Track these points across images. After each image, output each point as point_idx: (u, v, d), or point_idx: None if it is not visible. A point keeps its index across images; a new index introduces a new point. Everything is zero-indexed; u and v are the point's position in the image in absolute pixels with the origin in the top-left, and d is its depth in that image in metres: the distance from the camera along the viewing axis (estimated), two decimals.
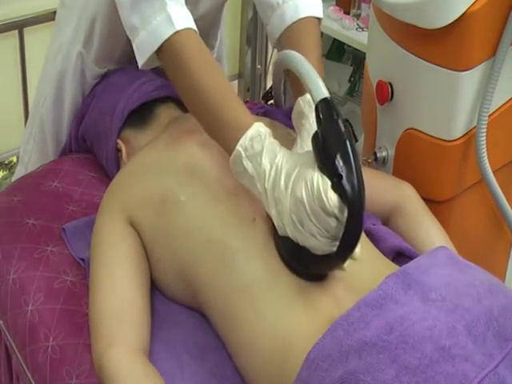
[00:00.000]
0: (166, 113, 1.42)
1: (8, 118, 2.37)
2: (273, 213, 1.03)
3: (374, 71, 1.50)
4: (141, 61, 1.21)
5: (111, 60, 1.52)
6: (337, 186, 0.96)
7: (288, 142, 1.18)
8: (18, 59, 2.29)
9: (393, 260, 1.19)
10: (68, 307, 1.22)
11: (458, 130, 1.36)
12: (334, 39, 2.57)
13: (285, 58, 1.16)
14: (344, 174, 0.96)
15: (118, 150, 1.43)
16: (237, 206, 1.14)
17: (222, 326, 1.12)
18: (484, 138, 1.33)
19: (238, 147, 1.06)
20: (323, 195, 0.96)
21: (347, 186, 0.96)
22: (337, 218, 0.97)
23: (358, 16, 2.30)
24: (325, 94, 1.03)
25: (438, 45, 1.30)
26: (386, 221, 1.35)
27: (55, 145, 1.61)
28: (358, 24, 2.26)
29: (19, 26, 2.25)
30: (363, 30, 2.21)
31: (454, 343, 0.91)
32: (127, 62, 1.51)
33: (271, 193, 1.03)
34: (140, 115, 1.42)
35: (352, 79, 2.62)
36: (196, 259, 1.14)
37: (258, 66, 2.94)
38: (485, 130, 1.32)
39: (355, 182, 0.96)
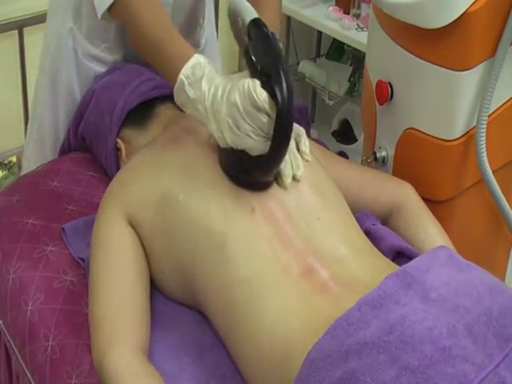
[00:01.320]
0: (165, 112, 1.42)
1: (8, 118, 2.37)
2: (213, 128, 1.11)
3: (374, 71, 1.50)
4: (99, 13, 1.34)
5: (104, 37, 1.51)
6: (265, 83, 1.05)
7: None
8: (17, 59, 2.29)
9: (393, 260, 1.19)
10: (68, 307, 1.22)
11: (458, 129, 1.36)
12: (334, 39, 2.58)
13: (231, 3, 1.24)
14: (272, 73, 1.05)
15: (118, 149, 1.43)
16: (235, 199, 1.14)
17: (222, 322, 1.12)
18: (484, 138, 1.33)
19: (181, 76, 1.14)
20: (253, 92, 1.05)
21: (275, 84, 1.04)
22: (268, 115, 1.05)
23: (357, 16, 2.30)
24: (254, 15, 1.14)
25: (437, 45, 1.30)
26: (386, 220, 1.35)
27: (53, 141, 1.61)
28: (357, 24, 2.26)
29: (19, 26, 2.25)
30: (363, 30, 2.22)
31: (454, 343, 0.91)
32: (121, 43, 1.51)
33: (211, 108, 1.11)
34: (139, 114, 1.43)
35: (352, 79, 2.62)
36: (195, 252, 1.14)
37: None
38: (484, 130, 1.32)
39: (283, 80, 1.04)
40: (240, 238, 1.10)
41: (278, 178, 1.16)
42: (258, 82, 1.06)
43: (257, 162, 1.10)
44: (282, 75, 1.04)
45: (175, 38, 1.22)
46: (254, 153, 1.09)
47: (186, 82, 1.14)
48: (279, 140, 1.06)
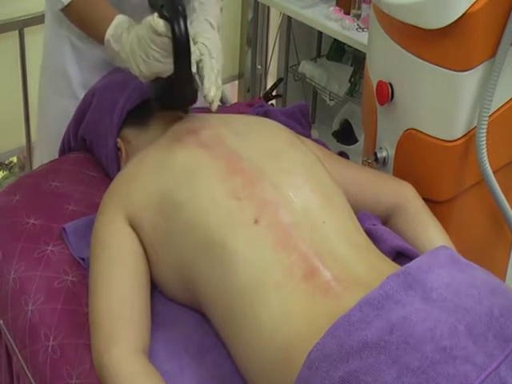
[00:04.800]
0: (166, 112, 1.42)
1: (8, 118, 2.37)
2: (134, 67, 1.30)
3: (375, 71, 1.50)
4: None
5: None
6: (160, 14, 1.25)
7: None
8: (18, 59, 2.29)
9: (393, 260, 1.19)
10: (68, 307, 1.22)
11: (459, 130, 1.36)
12: (335, 39, 2.57)
13: None
14: (165, 2, 1.25)
15: (119, 149, 1.43)
16: (237, 208, 1.14)
17: (222, 326, 1.12)
18: (484, 139, 1.32)
19: (107, 36, 1.37)
20: (152, 22, 1.24)
21: (167, 8, 1.24)
22: (168, 37, 1.23)
23: (358, 16, 2.29)
24: None
25: (438, 45, 1.30)
26: (387, 221, 1.35)
27: (58, 141, 1.61)
28: (358, 24, 2.26)
29: (19, 26, 2.25)
30: (363, 31, 2.21)
31: (455, 344, 0.91)
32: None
33: (130, 49, 1.30)
34: (140, 114, 1.43)
35: (352, 79, 2.62)
36: (195, 259, 1.14)
37: (258, 66, 2.94)
38: (485, 131, 1.32)
39: (173, 3, 1.24)
40: (240, 247, 1.10)
41: (206, 95, 1.30)
42: (155, 14, 1.25)
43: (171, 81, 1.29)
44: (172, 3, 1.24)
45: (98, 5, 1.42)
46: (166, 74, 1.28)
47: (111, 40, 1.35)
48: (179, 51, 1.24)
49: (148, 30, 1.26)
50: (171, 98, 1.35)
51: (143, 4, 1.56)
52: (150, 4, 1.31)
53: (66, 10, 1.46)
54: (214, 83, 1.31)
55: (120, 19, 1.37)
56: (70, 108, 1.56)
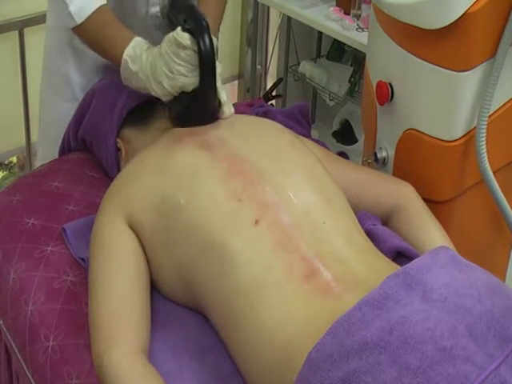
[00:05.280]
0: (166, 112, 1.42)
1: (8, 118, 2.37)
2: (154, 87, 1.28)
3: (374, 72, 1.50)
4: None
5: None
6: (184, 26, 1.25)
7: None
8: (18, 59, 2.29)
9: (393, 260, 1.19)
10: (68, 307, 1.22)
11: (458, 130, 1.36)
12: (334, 40, 2.57)
13: None
14: (189, 17, 1.25)
15: (118, 149, 1.43)
16: (238, 209, 1.14)
17: (222, 326, 1.12)
18: (484, 139, 1.32)
19: (125, 56, 1.33)
20: (176, 36, 1.24)
21: (191, 22, 1.25)
22: (193, 50, 1.23)
23: (358, 16, 2.29)
24: None
25: (438, 45, 1.30)
26: (387, 221, 1.35)
27: (58, 142, 1.61)
28: (358, 24, 2.26)
29: (19, 26, 2.25)
30: (363, 31, 2.21)
31: (455, 344, 0.91)
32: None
33: (150, 71, 1.28)
34: (140, 114, 1.43)
35: (352, 79, 2.62)
36: (195, 260, 1.14)
37: (258, 67, 2.94)
38: (485, 131, 1.32)
39: (197, 18, 1.24)
40: (240, 249, 1.10)
41: (220, 109, 1.30)
42: (179, 27, 1.25)
43: (196, 96, 1.27)
44: (196, 15, 1.25)
45: (112, 26, 1.39)
46: (190, 87, 1.26)
47: (129, 60, 1.32)
48: (205, 64, 1.23)
49: (171, 45, 1.25)
50: (194, 113, 1.31)
51: (149, 26, 1.60)
52: (169, 21, 1.32)
53: (78, 29, 1.42)
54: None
55: (138, 41, 1.35)
56: (70, 111, 1.56)
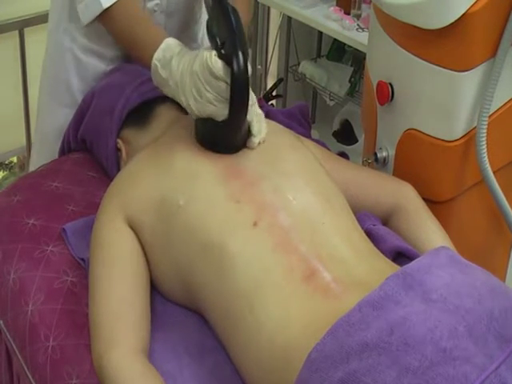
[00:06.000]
0: (166, 112, 1.42)
1: (8, 118, 2.38)
2: (182, 99, 1.21)
3: (375, 71, 1.50)
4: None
5: (103, 33, 1.50)
6: (220, 53, 1.14)
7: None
8: (18, 59, 2.29)
9: (393, 260, 1.19)
10: (68, 307, 1.22)
11: (459, 130, 1.36)
12: (335, 39, 2.58)
13: None
14: (227, 42, 1.13)
15: (118, 150, 1.43)
16: (236, 211, 1.14)
17: (221, 328, 1.12)
18: (484, 139, 1.32)
19: (154, 60, 1.26)
20: (209, 62, 1.14)
21: (227, 50, 1.13)
22: (226, 82, 1.14)
23: (358, 16, 2.29)
24: None
25: (438, 45, 1.30)
26: (387, 221, 1.35)
27: (56, 144, 1.61)
28: (358, 24, 2.26)
29: (19, 26, 2.25)
30: (363, 31, 2.21)
31: (455, 345, 0.90)
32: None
33: (180, 82, 1.20)
34: (140, 115, 1.42)
35: (352, 79, 2.62)
36: (193, 262, 1.14)
37: (259, 67, 2.94)
38: (485, 131, 1.32)
39: (237, 47, 1.12)
40: (238, 250, 1.10)
41: (249, 139, 1.23)
42: (213, 52, 1.15)
43: (222, 126, 1.19)
44: (236, 42, 1.13)
45: (148, 27, 1.34)
46: (219, 118, 1.18)
47: (158, 65, 1.25)
48: (236, 102, 1.14)
49: (203, 69, 1.15)
50: (219, 141, 1.21)
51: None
52: (209, 36, 1.20)
53: (103, 16, 1.36)
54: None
55: (169, 43, 1.26)
56: (70, 116, 1.56)
